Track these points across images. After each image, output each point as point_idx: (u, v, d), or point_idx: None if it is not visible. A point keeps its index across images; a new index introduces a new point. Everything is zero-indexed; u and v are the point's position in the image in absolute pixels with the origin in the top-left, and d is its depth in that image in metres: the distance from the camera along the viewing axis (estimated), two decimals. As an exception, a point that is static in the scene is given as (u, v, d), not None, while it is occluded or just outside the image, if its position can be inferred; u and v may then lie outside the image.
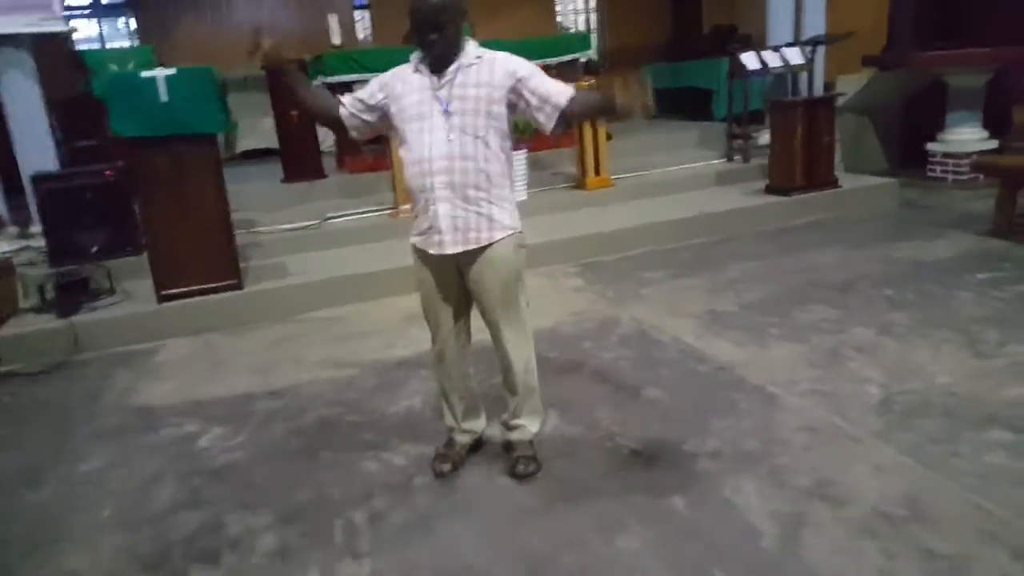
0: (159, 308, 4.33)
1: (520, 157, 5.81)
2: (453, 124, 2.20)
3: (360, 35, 9.92)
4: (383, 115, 2.35)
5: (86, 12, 9.04)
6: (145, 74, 4.05)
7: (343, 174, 6.60)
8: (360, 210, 5.80)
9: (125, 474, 2.80)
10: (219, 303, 4.45)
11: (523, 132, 5.77)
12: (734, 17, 9.25)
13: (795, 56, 6.16)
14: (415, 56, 2.28)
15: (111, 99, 4.06)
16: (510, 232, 2.32)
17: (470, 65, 2.22)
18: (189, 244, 4.34)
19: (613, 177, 6.20)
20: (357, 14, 9.82)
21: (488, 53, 2.27)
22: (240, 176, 6.54)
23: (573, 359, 3.47)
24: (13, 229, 5.37)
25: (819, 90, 6.45)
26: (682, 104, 8.57)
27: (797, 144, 5.72)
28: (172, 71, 4.10)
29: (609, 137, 7.16)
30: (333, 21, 6.14)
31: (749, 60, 6.05)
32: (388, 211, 5.69)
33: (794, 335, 3.50)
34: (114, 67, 5.61)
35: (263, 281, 4.68)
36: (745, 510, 2.20)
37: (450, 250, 2.28)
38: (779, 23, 6.48)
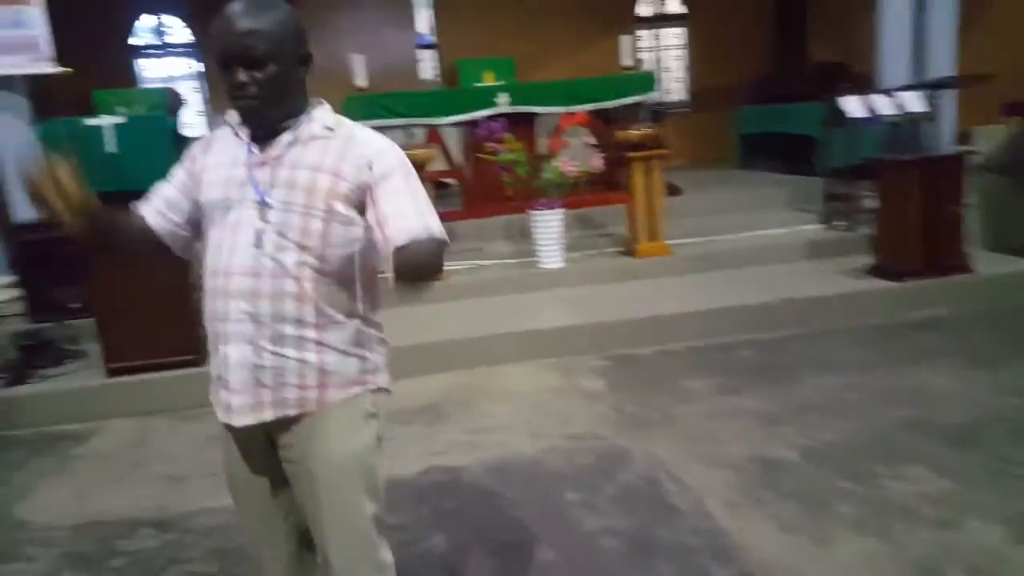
0: (106, 383, 3.88)
1: (556, 216, 4.95)
2: (268, 223, 1.40)
3: (428, 75, 9.45)
4: (196, 205, 1.54)
5: (157, 52, 9.04)
6: (89, 121, 3.57)
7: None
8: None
9: None
10: (171, 381, 3.88)
11: (560, 185, 4.92)
12: (846, 53, 8.04)
13: (915, 102, 4.99)
14: (235, 114, 1.49)
15: (53, 149, 3.57)
16: (357, 390, 1.49)
17: (313, 138, 1.44)
18: (142, 312, 3.82)
19: (672, 243, 5.20)
20: (421, 53, 9.35)
21: (346, 125, 1.48)
22: None
23: (534, 524, 2.52)
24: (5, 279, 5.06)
25: (948, 144, 5.21)
26: (776, 153, 7.44)
27: (913, 213, 4.52)
28: (121, 119, 3.60)
29: (676, 192, 6.20)
30: (358, 62, 5.56)
31: (852, 106, 4.94)
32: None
33: (874, 522, 2.38)
34: (123, 109, 5.25)
35: None
36: None
37: (241, 419, 1.45)
38: (894, 61, 5.35)
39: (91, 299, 3.85)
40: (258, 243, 1.40)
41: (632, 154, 5.04)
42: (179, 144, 3.86)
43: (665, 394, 3.55)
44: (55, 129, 3.74)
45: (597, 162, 5.12)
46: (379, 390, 1.54)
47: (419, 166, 4.85)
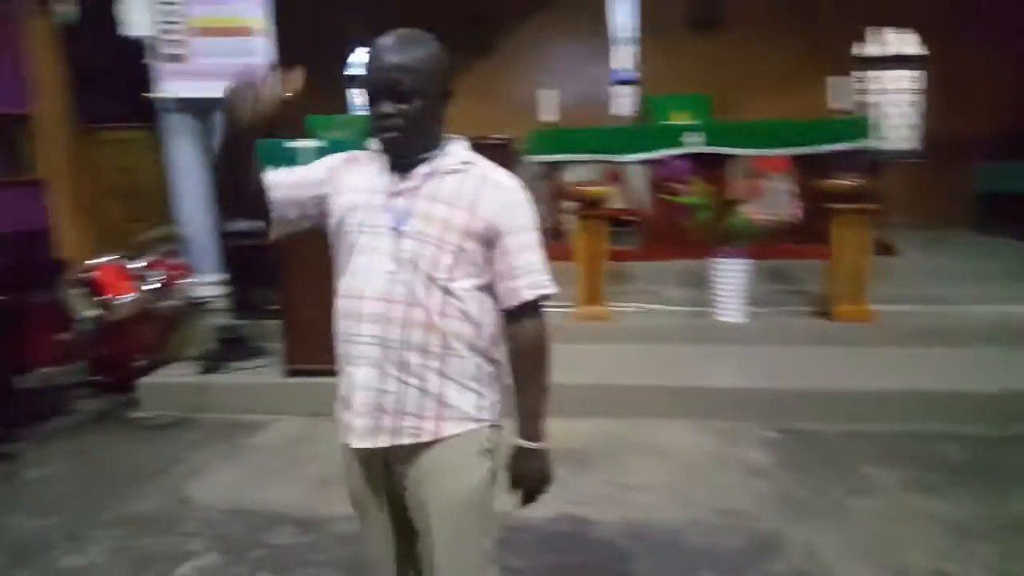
0: (283, 382, 4.19)
1: (740, 266, 4.62)
2: (403, 252, 1.45)
3: (625, 111, 9.43)
4: (320, 208, 1.60)
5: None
6: (288, 144, 3.91)
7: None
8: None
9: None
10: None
11: (748, 233, 4.58)
12: None
13: None
14: (377, 143, 1.54)
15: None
16: (473, 426, 1.51)
17: (449, 172, 1.49)
18: (324, 321, 4.05)
19: (878, 309, 4.62)
20: (617, 89, 9.34)
21: (479, 163, 1.52)
22: None
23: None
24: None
25: None
26: (1022, 218, 6.41)
27: None
28: (314, 143, 3.92)
29: (889, 251, 5.54)
30: (545, 97, 5.65)
31: None
32: (567, 308, 4.90)
33: None
34: (336, 133, 5.76)
35: None
36: None
37: (359, 441, 1.50)
38: None
39: (281, 303, 4.19)
40: (392, 270, 1.45)
41: (837, 206, 4.58)
42: None
43: (841, 482, 3.11)
44: (265, 150, 4.15)
45: (793, 211, 4.72)
46: (494, 426, 1.56)
47: (595, 203, 4.85)
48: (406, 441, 1.48)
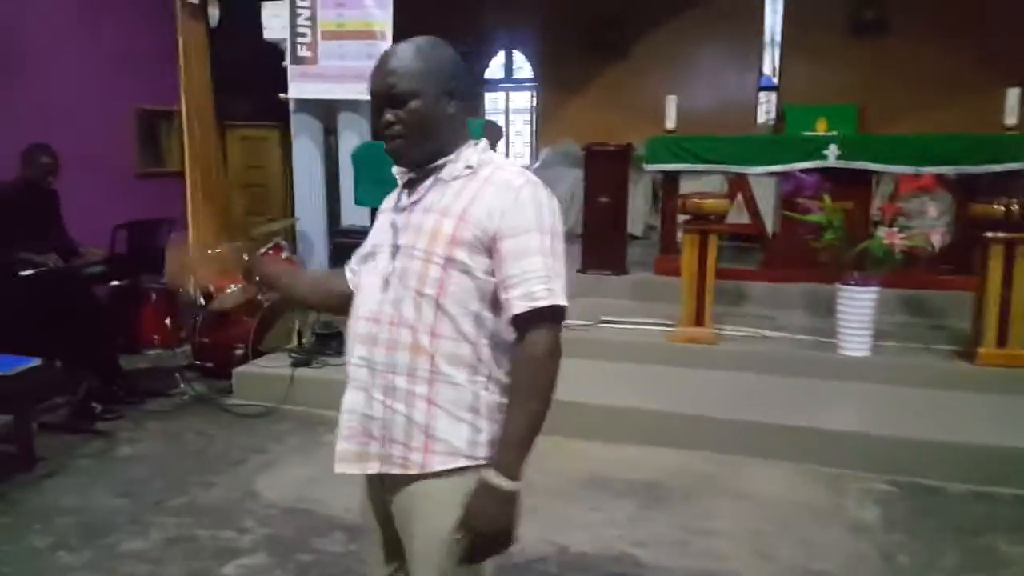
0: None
1: (869, 295, 4.13)
2: (395, 268, 1.37)
3: (761, 118, 8.94)
4: None
5: (501, 86, 10.01)
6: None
7: (649, 273, 5.71)
8: (637, 319, 4.85)
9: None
10: None
11: (882, 260, 4.09)
12: None
13: None
14: None
15: (357, 168, 4.05)
16: (463, 463, 1.35)
17: (454, 178, 1.37)
18: None
19: (1033, 354, 3.98)
20: (763, 95, 8.85)
21: (491, 164, 1.38)
22: None
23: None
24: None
25: None
26: None
27: None
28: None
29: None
30: (671, 103, 5.38)
31: None
32: (668, 327, 4.61)
33: None
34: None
35: None
36: None
37: (343, 466, 1.42)
38: None
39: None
40: (383, 289, 1.36)
41: (992, 234, 3.99)
42: None
43: (962, 551, 2.66)
44: (365, 150, 4.23)
45: (938, 238, 4.15)
46: (485, 467, 1.34)
47: (709, 216, 4.53)
48: (395, 471, 1.37)
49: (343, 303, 1.53)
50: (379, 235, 1.45)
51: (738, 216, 5.72)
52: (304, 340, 4.60)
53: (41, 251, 3.68)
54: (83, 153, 4.62)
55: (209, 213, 5.85)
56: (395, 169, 1.46)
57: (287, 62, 5.14)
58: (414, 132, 1.35)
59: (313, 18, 5.07)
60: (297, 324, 4.69)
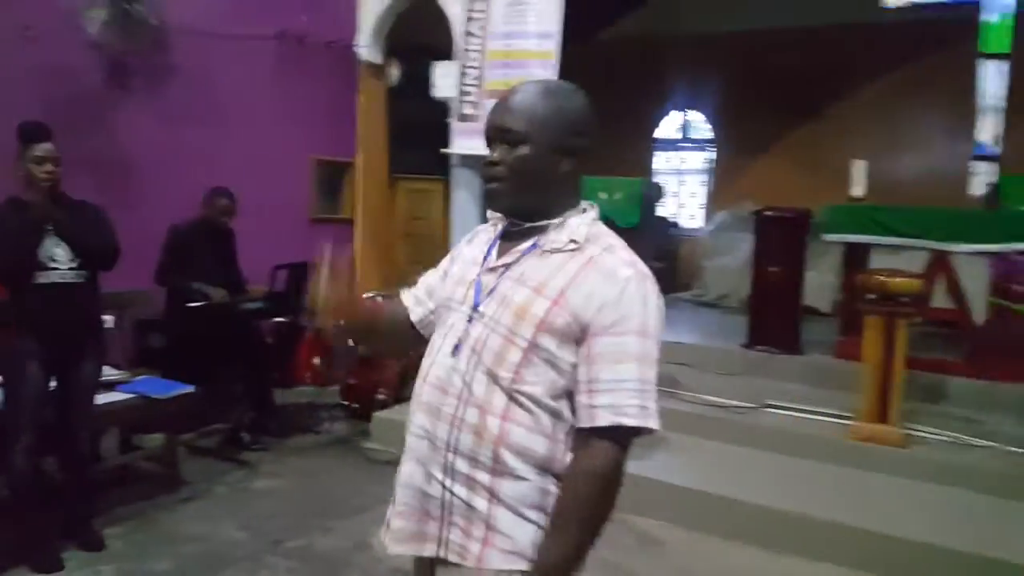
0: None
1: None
2: (471, 336, 1.24)
3: (980, 191, 7.92)
4: None
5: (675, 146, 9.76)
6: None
7: (828, 356, 5.10)
8: (809, 407, 4.32)
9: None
10: None
11: None
12: None
13: None
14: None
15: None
16: (522, 566, 1.17)
17: (555, 251, 1.22)
18: None
19: None
20: (976, 165, 7.85)
21: (599, 242, 1.23)
22: (707, 322, 5.83)
23: None
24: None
25: None
26: None
27: None
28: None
29: None
30: (858, 168, 4.87)
31: None
32: (845, 420, 4.05)
33: None
34: (603, 195, 5.69)
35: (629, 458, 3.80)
36: None
37: (394, 545, 1.29)
38: None
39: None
40: (454, 354, 1.24)
41: None
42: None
43: None
44: None
45: None
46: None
47: (899, 298, 3.93)
48: (452, 558, 1.22)
49: (409, 333, 1.44)
50: (457, 287, 1.30)
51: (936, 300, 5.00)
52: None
53: (213, 285, 3.94)
54: (263, 197, 5.00)
55: (374, 259, 6.11)
56: (490, 212, 1.33)
57: (452, 119, 5.29)
58: (516, 179, 1.23)
59: (480, 78, 5.19)
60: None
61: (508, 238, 1.28)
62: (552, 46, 5.04)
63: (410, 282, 1.54)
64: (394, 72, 6.10)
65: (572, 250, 1.21)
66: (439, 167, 5.65)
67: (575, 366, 1.17)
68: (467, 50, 5.24)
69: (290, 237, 5.37)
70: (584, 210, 1.27)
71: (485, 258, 1.29)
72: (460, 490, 1.20)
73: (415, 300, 1.47)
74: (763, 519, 3.33)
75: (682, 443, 4.15)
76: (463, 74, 5.30)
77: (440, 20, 5.49)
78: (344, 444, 4.33)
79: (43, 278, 2.68)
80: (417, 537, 1.26)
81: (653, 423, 1.17)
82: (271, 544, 3.07)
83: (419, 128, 5.77)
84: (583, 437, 1.17)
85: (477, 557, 1.19)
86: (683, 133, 9.66)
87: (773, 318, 5.16)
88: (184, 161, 4.78)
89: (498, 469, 1.18)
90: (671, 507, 3.50)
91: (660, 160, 9.69)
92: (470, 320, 1.24)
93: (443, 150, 5.40)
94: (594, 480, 1.14)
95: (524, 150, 1.22)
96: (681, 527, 3.42)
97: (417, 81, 5.58)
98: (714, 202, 9.17)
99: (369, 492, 3.67)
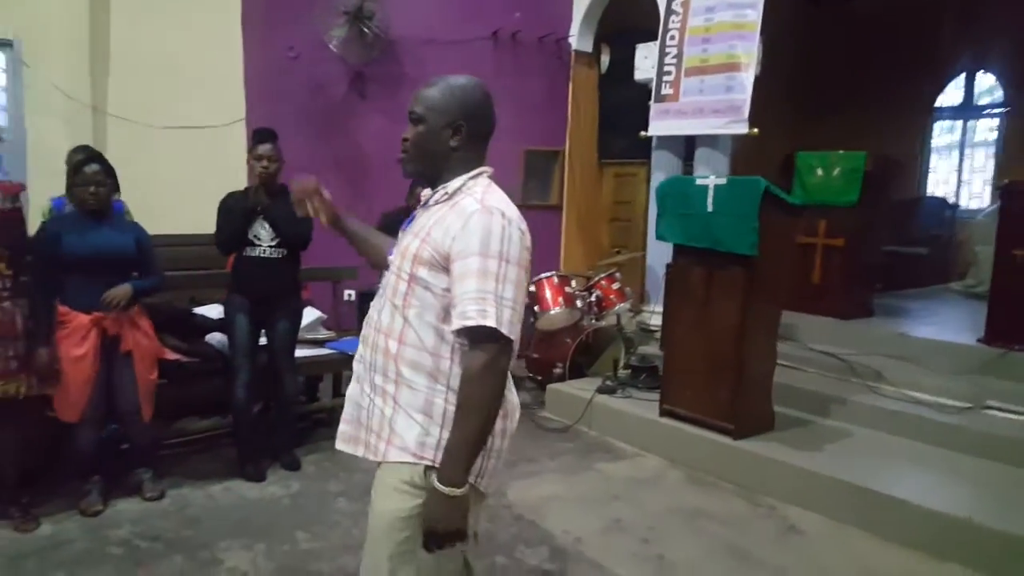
0: (656, 420, 4.19)
1: None
2: (386, 281, 1.61)
3: None
4: None
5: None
6: (699, 181, 3.85)
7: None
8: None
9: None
10: (706, 444, 3.90)
11: None
12: None
13: None
14: None
15: (661, 202, 4.06)
16: (409, 459, 1.50)
17: (436, 202, 1.56)
18: (700, 367, 3.98)
19: None
20: None
21: (467, 192, 1.52)
22: (960, 315, 5.37)
23: None
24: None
25: None
26: None
27: None
28: (722, 180, 3.76)
29: None
30: None
31: None
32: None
33: None
34: (819, 171, 5.32)
35: (794, 448, 3.69)
36: None
37: (340, 444, 1.66)
38: None
39: (664, 338, 4.19)
40: (379, 297, 1.60)
41: None
42: (771, 208, 3.66)
43: None
44: (670, 185, 4.14)
45: None
46: (428, 465, 1.48)
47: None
48: (369, 456, 1.56)
49: (377, 261, 1.76)
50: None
51: None
52: (619, 370, 4.75)
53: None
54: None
55: (580, 242, 6.43)
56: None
57: (652, 100, 5.37)
58: (415, 151, 1.57)
59: (679, 56, 5.19)
60: (622, 353, 4.88)
61: (425, 204, 1.59)
62: (755, 16, 4.88)
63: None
64: (605, 58, 6.33)
65: (445, 200, 1.52)
66: (644, 151, 5.76)
67: (448, 291, 1.44)
68: (668, 29, 5.29)
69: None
70: (475, 174, 1.54)
71: (404, 225, 1.61)
72: (377, 400, 1.53)
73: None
74: (932, 524, 3.03)
75: (867, 438, 3.89)
76: (663, 54, 5.35)
77: (648, 1, 5.61)
78: (521, 411, 4.72)
79: (249, 252, 3.48)
80: (354, 440, 1.60)
81: (491, 322, 1.37)
82: (425, 482, 3.58)
83: (627, 112, 5.93)
84: (463, 350, 1.45)
85: (382, 453, 1.52)
86: (966, 99, 8.41)
87: (1017, 310, 4.43)
88: (409, 156, 5.58)
89: (399, 381, 1.49)
90: (827, 500, 3.35)
91: (941, 133, 8.54)
92: (387, 269, 1.60)
93: (642, 133, 5.52)
94: (467, 380, 1.42)
95: (420, 128, 1.54)
96: (832, 520, 3.28)
97: (625, 66, 5.75)
98: (1003, 178, 7.83)
99: (525, 452, 4.03)
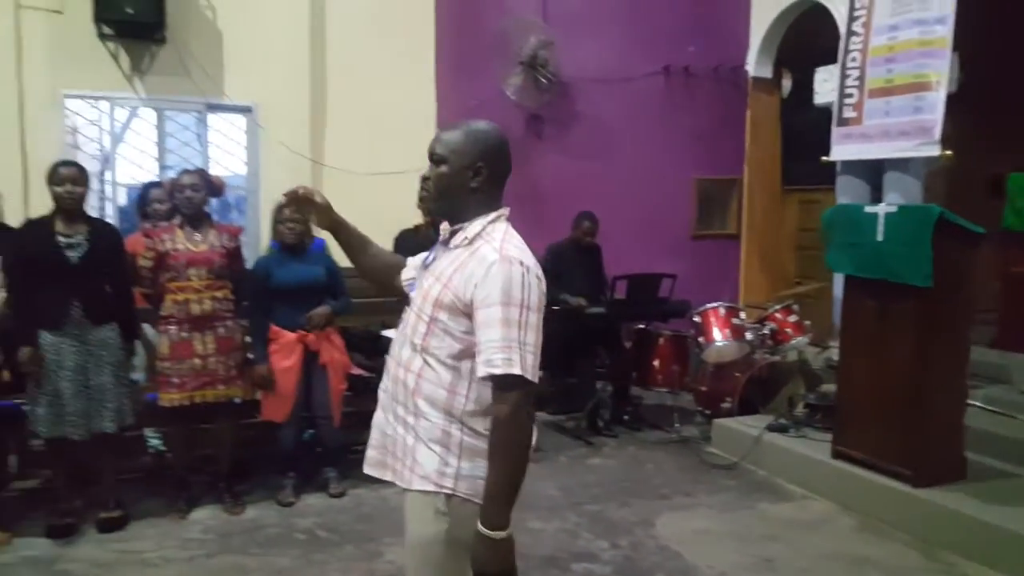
0: (827, 461, 3.99)
1: None
2: (406, 318, 1.71)
3: None
4: None
5: None
6: (868, 209, 3.69)
7: None
8: None
9: None
10: (880, 490, 3.65)
11: None
12: None
13: None
14: None
15: (827, 231, 3.92)
16: (431, 488, 1.60)
17: (456, 247, 1.63)
18: (876, 407, 3.76)
19: None
20: None
21: (487, 238, 1.59)
22: None
23: None
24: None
25: None
26: None
27: None
28: (893, 208, 3.57)
29: None
30: None
31: None
32: None
33: None
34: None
35: (984, 501, 3.36)
36: None
37: (368, 469, 1.78)
38: None
39: (840, 375, 3.97)
40: (401, 331, 1.71)
41: None
42: (948, 236, 3.35)
43: None
44: (836, 213, 3.94)
45: None
46: (455, 497, 1.58)
47: None
48: (398, 482, 1.67)
49: (385, 278, 1.84)
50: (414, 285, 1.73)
51: None
52: (795, 408, 4.57)
53: (579, 294, 4.77)
54: (644, 216, 5.70)
55: (762, 272, 6.25)
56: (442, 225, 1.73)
57: (833, 124, 5.16)
58: (435, 192, 1.65)
59: (862, 77, 4.96)
60: (801, 390, 4.70)
61: (444, 243, 1.68)
62: (946, 32, 4.57)
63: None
64: (786, 83, 6.17)
65: (466, 245, 1.60)
66: (831, 176, 5.52)
67: (468, 332, 1.55)
68: (848, 51, 5.08)
69: (671, 253, 5.98)
70: (494, 218, 1.62)
71: (426, 261, 1.72)
72: (400, 430, 1.64)
73: (411, 266, 1.85)
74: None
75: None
76: (844, 76, 5.14)
77: (827, 23, 5.43)
78: (685, 444, 4.70)
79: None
80: (381, 465, 1.71)
81: (516, 370, 1.46)
82: (573, 504, 3.73)
83: (812, 137, 5.73)
84: (493, 391, 1.52)
85: (408, 481, 1.63)
86: None
87: None
88: (582, 189, 5.80)
89: (417, 413, 1.61)
90: (1017, 561, 3.02)
91: None
92: (408, 307, 1.70)
93: (823, 158, 5.31)
94: (498, 425, 1.50)
95: (442, 169, 1.62)
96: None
97: (806, 90, 5.59)
98: None
99: (681, 487, 4.02)
